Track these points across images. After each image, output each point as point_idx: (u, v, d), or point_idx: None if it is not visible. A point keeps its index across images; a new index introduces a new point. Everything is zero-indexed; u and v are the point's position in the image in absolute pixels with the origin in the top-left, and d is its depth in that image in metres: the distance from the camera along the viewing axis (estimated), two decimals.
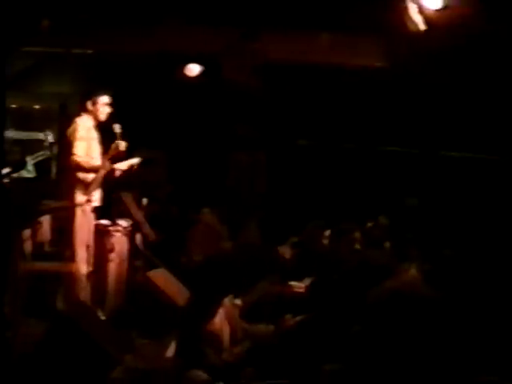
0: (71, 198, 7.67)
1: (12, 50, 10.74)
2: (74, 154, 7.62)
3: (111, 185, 7.96)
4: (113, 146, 7.77)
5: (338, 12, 9.65)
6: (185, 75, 11.63)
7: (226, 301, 6.54)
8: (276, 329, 6.17)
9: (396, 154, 11.69)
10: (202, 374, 5.36)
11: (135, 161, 8.08)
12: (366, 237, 8.97)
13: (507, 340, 4.29)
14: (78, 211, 7.56)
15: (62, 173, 9.08)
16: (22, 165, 11.89)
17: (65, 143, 7.84)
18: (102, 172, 7.74)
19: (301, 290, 7.26)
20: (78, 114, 7.87)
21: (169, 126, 11.85)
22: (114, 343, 5.75)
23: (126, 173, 8.01)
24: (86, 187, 7.65)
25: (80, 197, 7.63)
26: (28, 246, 7.98)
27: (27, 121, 12.70)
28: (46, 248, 8.35)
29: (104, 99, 7.89)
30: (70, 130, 7.73)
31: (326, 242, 8.76)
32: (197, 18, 10.37)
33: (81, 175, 7.68)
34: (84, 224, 7.59)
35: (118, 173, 7.92)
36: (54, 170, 11.71)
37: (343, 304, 4.67)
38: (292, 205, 11.58)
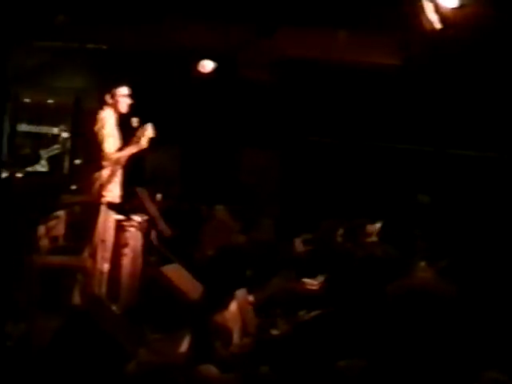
0: (92, 193, 7.63)
1: (21, 44, 10.85)
2: (106, 150, 7.53)
3: (127, 179, 7.93)
4: (137, 133, 7.63)
5: (354, 9, 9.66)
6: (199, 71, 11.66)
7: (240, 294, 6.56)
8: (289, 325, 6.18)
9: (410, 151, 11.67)
10: (212, 368, 5.39)
11: (149, 132, 7.61)
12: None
13: None
14: (98, 206, 7.51)
15: (82, 168, 9.00)
16: (36, 159, 11.97)
17: (92, 139, 7.67)
18: (119, 166, 7.69)
19: (314, 288, 7.26)
20: (100, 109, 7.70)
21: (183, 122, 11.86)
22: (128, 338, 5.78)
23: (140, 150, 7.71)
24: (107, 182, 7.59)
25: (101, 192, 7.58)
26: (44, 241, 8.01)
27: (41, 115, 12.76)
28: (61, 242, 8.39)
29: (123, 90, 7.72)
30: (98, 126, 7.55)
31: (340, 239, 8.75)
32: (213, 13, 10.37)
33: (106, 170, 7.62)
34: (102, 219, 7.55)
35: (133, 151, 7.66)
36: (66, 164, 11.76)
37: (359, 301, 4.68)
38: (304, 202, 11.58)
